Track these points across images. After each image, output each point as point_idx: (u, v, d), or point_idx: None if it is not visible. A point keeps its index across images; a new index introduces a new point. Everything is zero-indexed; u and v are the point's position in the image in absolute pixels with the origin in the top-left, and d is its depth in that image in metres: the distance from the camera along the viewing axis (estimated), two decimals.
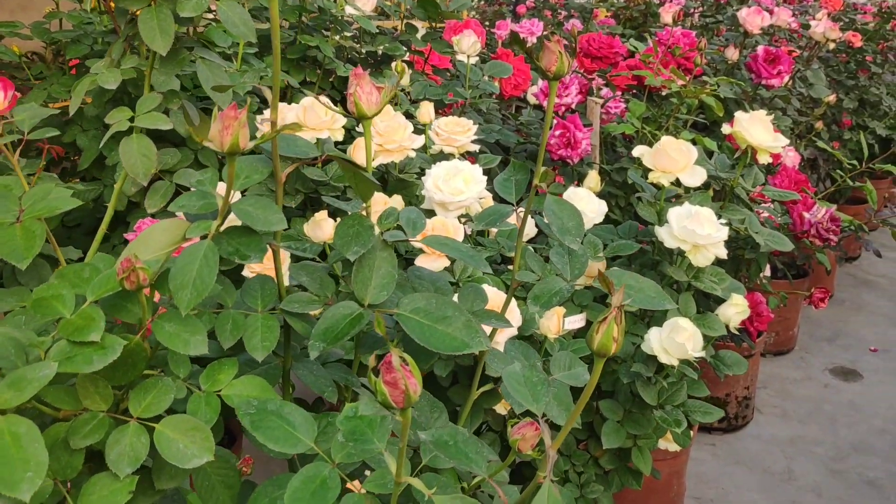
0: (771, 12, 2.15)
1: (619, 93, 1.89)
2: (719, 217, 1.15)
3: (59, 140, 1.36)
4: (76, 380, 0.50)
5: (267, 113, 0.56)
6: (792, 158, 1.81)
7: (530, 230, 1.19)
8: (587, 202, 1.12)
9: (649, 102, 1.80)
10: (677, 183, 1.18)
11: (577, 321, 1.11)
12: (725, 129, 1.25)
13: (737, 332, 1.20)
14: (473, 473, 0.54)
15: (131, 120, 0.86)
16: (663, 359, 1.05)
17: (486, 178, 1.16)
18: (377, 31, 1.74)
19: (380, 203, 1.13)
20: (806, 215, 1.41)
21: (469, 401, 0.70)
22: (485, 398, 0.88)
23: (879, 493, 2.04)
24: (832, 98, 2.11)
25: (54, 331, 0.49)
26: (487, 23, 3.33)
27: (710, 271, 1.15)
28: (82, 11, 1.47)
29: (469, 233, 1.22)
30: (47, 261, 1.23)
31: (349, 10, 1.67)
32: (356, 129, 1.39)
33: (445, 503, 0.49)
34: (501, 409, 1.07)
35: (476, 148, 1.44)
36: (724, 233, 1.07)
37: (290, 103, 1.64)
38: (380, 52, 1.81)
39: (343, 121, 1.20)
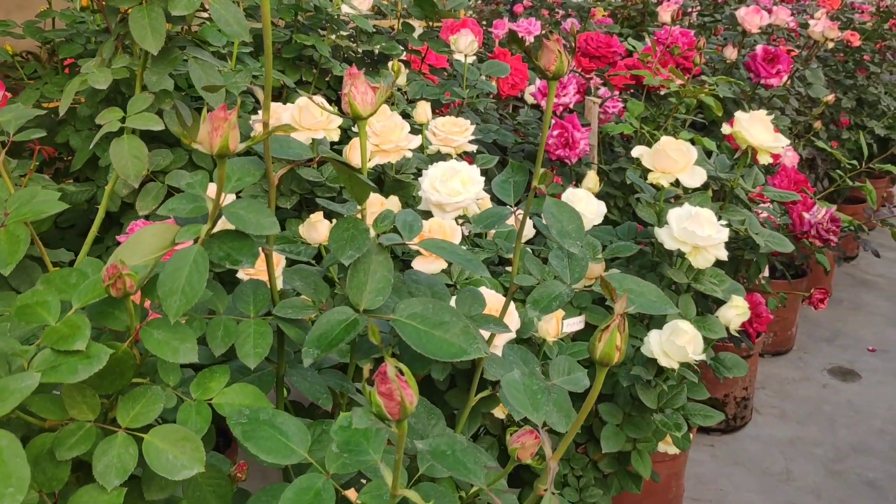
0: (770, 11, 2.14)
1: (616, 92, 1.88)
2: (719, 218, 1.14)
3: (52, 140, 1.34)
4: (62, 389, 0.49)
5: (261, 113, 0.54)
6: (790, 158, 1.80)
7: (528, 231, 1.18)
8: (586, 203, 1.11)
9: (647, 102, 1.79)
10: (676, 183, 1.16)
11: (575, 324, 1.10)
12: (725, 129, 1.23)
13: (737, 335, 1.19)
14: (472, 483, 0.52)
15: (122, 120, 0.84)
16: (663, 362, 1.04)
17: (483, 178, 1.15)
18: (374, 30, 1.73)
19: (376, 204, 1.11)
20: (806, 216, 1.40)
21: (467, 407, 0.69)
22: (483, 402, 0.86)
23: (879, 493, 2.04)
24: (831, 98, 2.10)
25: (41, 338, 0.48)
26: (484, 22, 3.32)
27: (711, 273, 1.14)
28: (74, 10, 1.45)
29: (466, 234, 1.21)
30: (39, 263, 1.22)
31: (345, 8, 1.66)
32: (352, 129, 1.37)
33: None
34: (499, 412, 1.05)
35: (474, 148, 1.43)
36: (725, 234, 1.06)
37: (285, 103, 1.62)
38: (376, 51, 1.79)
39: (339, 121, 1.19)
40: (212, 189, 0.55)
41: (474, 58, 1.83)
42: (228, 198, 0.60)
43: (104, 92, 1.10)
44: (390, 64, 1.75)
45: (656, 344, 1.05)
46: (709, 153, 1.45)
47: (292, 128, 0.52)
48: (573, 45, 1.74)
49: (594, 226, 1.18)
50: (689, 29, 2.14)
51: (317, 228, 1.11)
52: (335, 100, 1.71)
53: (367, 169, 0.62)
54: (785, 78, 1.90)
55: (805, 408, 2.39)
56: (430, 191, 1.09)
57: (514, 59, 2.06)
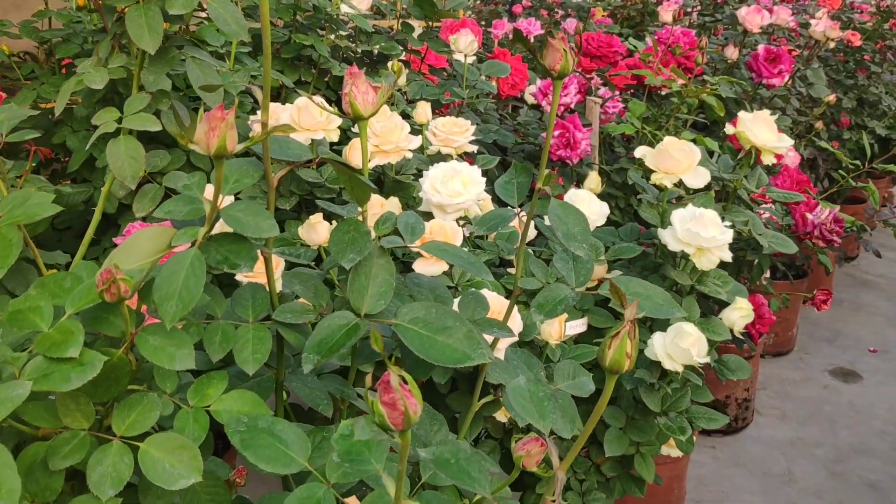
0: (770, 11, 2.13)
1: (617, 92, 1.87)
2: (722, 219, 1.13)
3: (49, 141, 1.33)
4: (56, 396, 0.47)
5: (260, 113, 0.53)
6: (792, 158, 1.79)
7: (529, 232, 1.16)
8: (588, 204, 1.10)
9: (649, 102, 1.78)
10: (680, 184, 1.15)
11: (578, 326, 1.09)
12: (729, 129, 1.22)
13: (740, 336, 1.18)
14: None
15: (119, 121, 0.83)
16: (667, 365, 1.02)
17: (484, 179, 1.13)
18: (373, 30, 1.71)
19: (376, 205, 1.10)
20: (809, 216, 1.38)
21: (470, 413, 0.68)
22: (485, 406, 0.85)
23: (880, 495, 2.03)
24: (832, 98, 2.09)
25: (33, 344, 0.47)
26: (483, 22, 3.31)
27: (714, 274, 1.13)
28: (71, 10, 1.44)
29: (468, 235, 1.19)
30: (35, 265, 1.20)
31: (344, 8, 1.65)
32: (352, 129, 1.36)
33: None
34: (501, 416, 1.04)
35: (474, 149, 1.41)
36: (729, 235, 1.05)
37: (284, 103, 1.61)
38: (376, 51, 1.78)
39: (338, 121, 1.17)
40: (209, 190, 0.54)
41: (474, 58, 1.82)
42: (227, 199, 0.58)
43: (101, 92, 1.09)
44: (390, 64, 1.74)
45: (660, 346, 1.04)
46: (711, 153, 1.44)
47: (291, 128, 0.51)
48: (580, 44, 1.73)
49: (597, 227, 1.17)
50: (689, 29, 2.13)
51: (317, 230, 1.10)
52: (334, 100, 1.70)
53: (367, 170, 0.61)
54: (787, 78, 1.89)
55: (806, 409, 2.38)
56: (431, 192, 1.08)
57: (513, 59, 2.04)
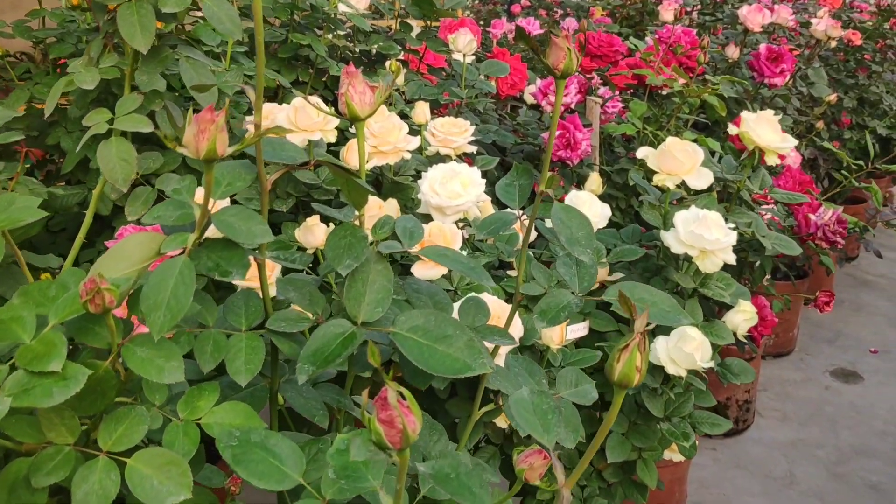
0: (771, 10, 2.11)
1: (617, 92, 1.85)
2: (725, 220, 1.11)
3: (43, 142, 1.31)
4: (39, 410, 0.45)
5: (253, 115, 0.51)
6: (793, 158, 1.77)
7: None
8: (590, 206, 1.08)
9: (650, 102, 1.76)
10: (682, 185, 1.13)
11: (579, 330, 1.07)
12: (732, 129, 1.20)
13: (744, 340, 1.16)
14: None
15: (110, 122, 0.81)
16: (671, 370, 1.01)
17: (484, 180, 1.12)
18: (371, 29, 1.69)
19: (374, 207, 1.08)
20: (812, 217, 1.37)
21: (471, 422, 0.66)
22: (486, 412, 0.83)
23: (882, 496, 2.01)
24: (833, 97, 2.08)
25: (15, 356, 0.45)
26: (482, 22, 3.29)
27: (718, 277, 1.11)
28: (64, 9, 1.42)
29: (467, 237, 1.18)
30: (29, 268, 1.18)
31: (342, 7, 1.63)
32: (349, 130, 1.34)
33: None
34: (501, 422, 1.02)
35: (473, 149, 1.40)
36: (733, 238, 1.03)
37: (281, 104, 1.59)
38: (374, 50, 1.76)
39: (335, 122, 1.15)
40: (200, 195, 0.52)
41: (473, 57, 1.80)
42: (223, 202, 0.57)
43: (94, 92, 1.07)
44: (388, 63, 1.72)
45: (663, 351, 1.02)
46: (712, 153, 1.42)
47: (284, 129, 0.49)
48: (583, 43, 1.71)
49: (598, 229, 1.15)
50: (689, 28, 2.11)
51: (313, 232, 1.08)
52: (332, 100, 1.68)
53: (365, 172, 0.59)
54: (788, 77, 1.88)
55: (807, 410, 2.37)
56: (430, 193, 1.06)
57: (513, 59, 2.03)
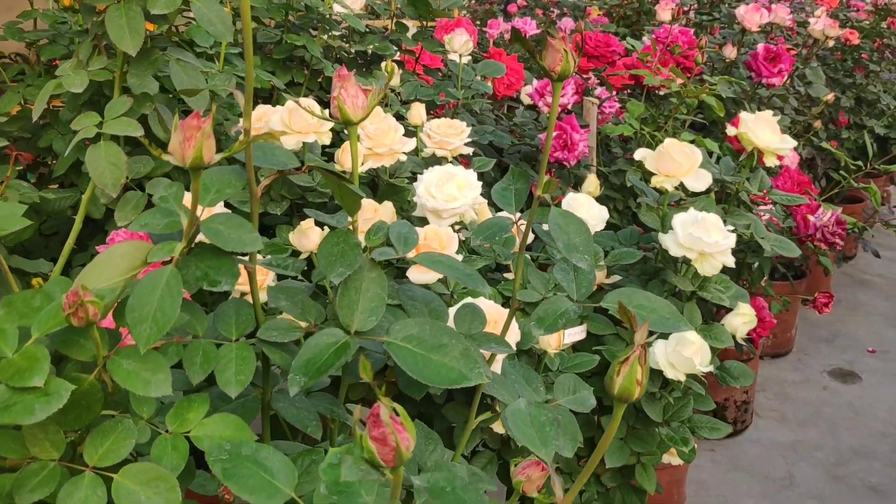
0: (769, 9, 2.11)
1: (614, 92, 1.84)
2: (724, 222, 1.10)
3: (35, 144, 1.30)
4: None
5: (242, 119, 0.50)
6: (791, 158, 1.76)
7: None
8: (587, 209, 1.07)
9: (647, 102, 1.75)
10: (681, 187, 1.12)
11: (577, 333, 1.06)
12: (730, 130, 1.19)
13: (743, 343, 1.15)
14: None
15: (99, 126, 0.80)
16: (670, 374, 1.00)
17: (480, 183, 1.10)
18: (366, 29, 1.68)
19: (369, 210, 1.07)
20: (811, 218, 1.36)
21: (467, 431, 0.65)
22: (480, 413, 0.82)
23: (882, 498, 2.01)
24: (831, 97, 2.07)
25: None
26: (478, 22, 3.28)
27: (716, 279, 1.10)
28: (55, 11, 1.40)
29: (463, 239, 1.16)
30: (19, 274, 1.16)
31: (337, 8, 1.61)
32: (345, 131, 1.33)
33: None
34: (498, 427, 1.01)
35: (470, 151, 1.38)
36: (732, 240, 1.02)
37: (275, 105, 1.57)
38: (369, 51, 1.74)
39: (330, 123, 1.14)
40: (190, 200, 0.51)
41: (469, 58, 1.79)
42: (218, 206, 0.55)
43: (85, 95, 1.05)
44: (383, 64, 1.71)
45: (662, 355, 1.01)
46: (710, 154, 1.41)
47: (274, 136, 0.47)
48: (580, 45, 1.70)
49: (596, 232, 1.14)
50: (686, 28, 2.10)
51: (308, 236, 1.07)
52: (327, 101, 1.66)
53: (358, 177, 0.58)
54: (786, 77, 1.87)
55: (805, 410, 2.36)
56: (426, 196, 1.05)
57: (509, 59, 2.02)
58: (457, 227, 1.15)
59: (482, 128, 1.76)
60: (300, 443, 0.69)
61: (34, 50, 1.53)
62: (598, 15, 2.92)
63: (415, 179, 1.14)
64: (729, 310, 1.15)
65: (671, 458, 1.21)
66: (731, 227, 1.07)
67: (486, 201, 1.18)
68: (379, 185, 1.36)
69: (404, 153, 1.23)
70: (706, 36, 2.08)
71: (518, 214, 0.64)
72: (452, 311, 0.77)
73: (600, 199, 1.30)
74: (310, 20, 1.63)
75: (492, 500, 0.59)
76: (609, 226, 1.36)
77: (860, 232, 1.56)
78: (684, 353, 0.98)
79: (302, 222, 1.06)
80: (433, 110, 1.76)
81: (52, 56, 1.34)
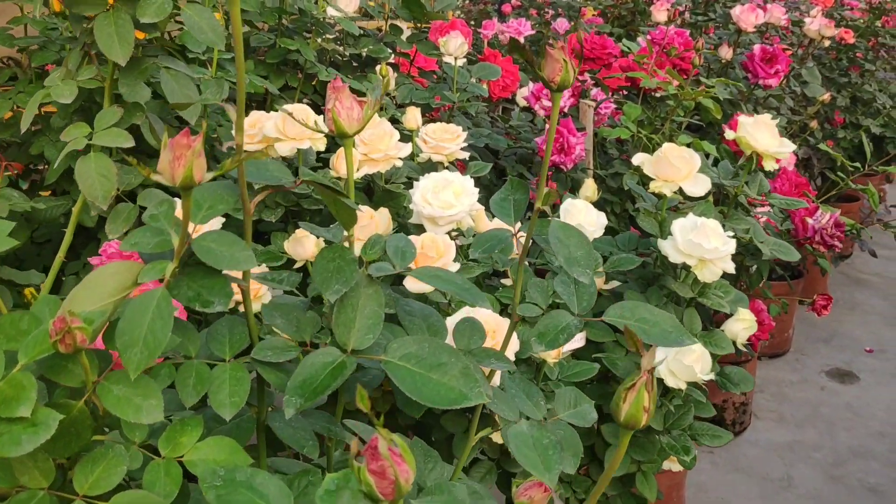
0: (764, 9, 2.10)
1: (610, 93, 1.83)
2: (723, 227, 1.09)
3: (27, 151, 1.28)
4: None
5: (234, 134, 0.48)
6: (788, 159, 1.76)
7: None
8: (586, 215, 1.06)
9: (643, 104, 1.74)
10: (679, 191, 1.11)
11: (576, 341, 1.05)
12: (729, 134, 1.18)
13: (743, 348, 1.14)
14: None
15: (89, 137, 0.78)
16: (670, 382, 0.99)
17: (477, 189, 1.09)
18: (361, 32, 1.66)
19: (365, 217, 1.06)
20: (809, 221, 1.35)
21: (467, 448, 0.64)
22: (480, 427, 0.81)
23: (881, 499, 2.01)
24: (827, 97, 2.07)
25: None
26: (473, 22, 3.27)
27: (716, 284, 1.09)
28: (45, 17, 1.38)
29: (461, 245, 1.15)
30: (9, 285, 1.15)
31: (331, 11, 1.60)
32: (342, 142, 1.31)
33: None
34: (497, 437, 1.00)
35: (466, 155, 1.37)
36: (732, 246, 1.01)
37: (269, 110, 1.56)
38: (363, 54, 1.73)
39: (325, 132, 1.13)
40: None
41: (464, 60, 1.78)
42: (214, 222, 0.54)
43: (76, 103, 1.04)
44: (378, 68, 1.69)
45: (662, 363, 1.00)
46: (707, 155, 1.40)
47: (266, 154, 0.46)
48: (580, 53, 1.69)
49: (594, 238, 1.13)
50: (680, 28, 2.09)
51: (303, 244, 1.05)
52: (322, 105, 1.65)
53: (353, 192, 0.57)
54: (783, 78, 1.86)
55: (804, 411, 2.36)
56: (422, 204, 1.04)
57: (504, 61, 2.01)
58: (454, 234, 1.13)
59: (478, 130, 1.75)
60: (297, 454, 0.67)
61: (25, 53, 1.51)
62: (593, 15, 2.91)
63: (411, 185, 1.12)
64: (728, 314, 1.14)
65: (671, 464, 1.21)
66: (731, 233, 1.06)
67: (482, 207, 1.16)
68: (374, 190, 1.34)
69: (400, 158, 1.21)
70: (702, 37, 2.07)
71: (518, 225, 0.63)
72: (450, 320, 0.76)
73: (597, 203, 1.28)
74: (303, 24, 1.62)
75: None
76: (606, 229, 1.35)
77: (858, 234, 1.56)
78: (685, 362, 0.97)
79: (297, 230, 1.04)
80: (428, 113, 1.74)
81: (42, 62, 1.32)
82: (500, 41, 2.57)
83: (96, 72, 0.83)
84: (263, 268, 0.97)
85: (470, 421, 0.73)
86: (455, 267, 0.94)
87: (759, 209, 1.42)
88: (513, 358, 0.73)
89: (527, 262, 1.10)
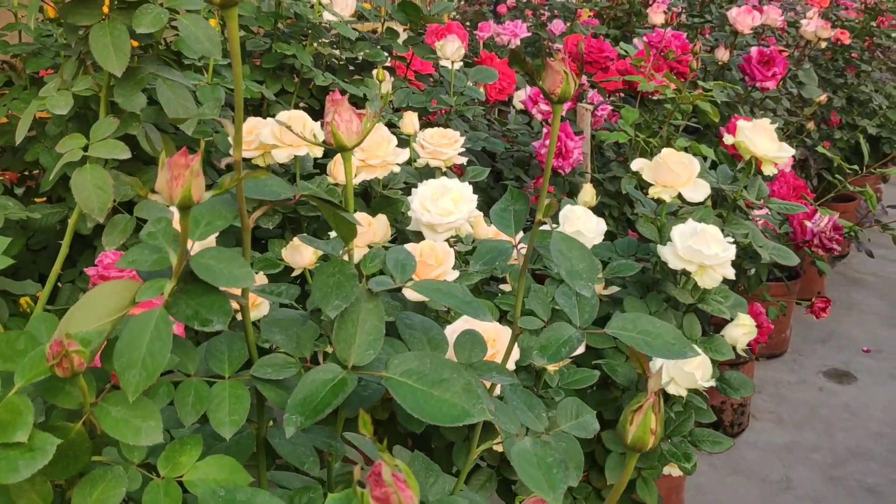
0: (760, 10, 2.10)
1: (608, 97, 1.83)
2: (722, 232, 1.09)
3: (22, 158, 1.27)
4: None
5: (232, 150, 0.48)
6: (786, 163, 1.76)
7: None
8: (585, 221, 1.05)
9: (641, 107, 1.74)
10: (679, 197, 1.11)
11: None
12: (728, 139, 1.18)
13: (743, 353, 1.14)
14: None
15: (85, 149, 0.77)
16: (671, 389, 0.98)
17: (476, 196, 1.09)
18: (357, 35, 1.66)
19: (363, 223, 1.05)
20: (808, 224, 1.35)
21: (469, 462, 0.63)
22: (481, 436, 0.81)
23: (879, 499, 2.01)
24: (823, 98, 2.07)
25: None
26: (468, 23, 3.26)
27: (716, 290, 1.09)
28: (40, 24, 1.37)
29: (458, 251, 1.15)
30: (4, 296, 1.14)
31: (327, 15, 1.59)
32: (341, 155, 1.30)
33: None
34: (497, 445, 1.00)
35: (464, 160, 1.37)
36: (732, 252, 1.01)
37: (265, 115, 1.55)
38: (360, 57, 1.73)
39: (322, 134, 1.12)
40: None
41: (461, 63, 1.78)
42: (210, 238, 0.53)
43: (72, 110, 1.03)
44: (375, 72, 1.69)
45: (663, 371, 1.00)
46: (704, 158, 1.40)
47: (265, 172, 0.46)
48: (580, 62, 1.69)
49: (593, 245, 1.13)
50: (677, 30, 2.09)
51: (301, 252, 1.05)
52: (318, 109, 1.64)
53: (352, 205, 0.56)
54: (780, 80, 1.86)
55: (802, 412, 2.36)
56: (421, 211, 1.03)
57: (500, 63, 2.00)
58: (453, 240, 1.13)
59: (475, 134, 1.75)
60: (298, 467, 0.67)
61: (20, 58, 1.49)
62: (589, 17, 2.91)
63: (409, 191, 1.12)
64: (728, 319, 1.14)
65: (671, 469, 1.20)
66: (731, 239, 1.06)
67: (481, 214, 1.16)
68: (372, 196, 1.34)
69: (398, 164, 1.21)
70: (699, 39, 2.07)
71: (520, 235, 0.63)
72: (450, 329, 0.76)
73: (596, 207, 1.28)
74: (300, 28, 1.61)
75: None
76: (606, 234, 1.35)
77: (856, 235, 1.56)
78: (685, 369, 0.96)
79: (295, 237, 1.04)
80: (425, 116, 1.74)
81: (37, 69, 1.31)
82: (497, 43, 2.57)
83: (92, 81, 0.82)
84: (261, 276, 0.97)
85: (470, 430, 0.73)
86: (454, 275, 0.93)
87: (756, 212, 1.42)
88: (513, 364, 0.73)
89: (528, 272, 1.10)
